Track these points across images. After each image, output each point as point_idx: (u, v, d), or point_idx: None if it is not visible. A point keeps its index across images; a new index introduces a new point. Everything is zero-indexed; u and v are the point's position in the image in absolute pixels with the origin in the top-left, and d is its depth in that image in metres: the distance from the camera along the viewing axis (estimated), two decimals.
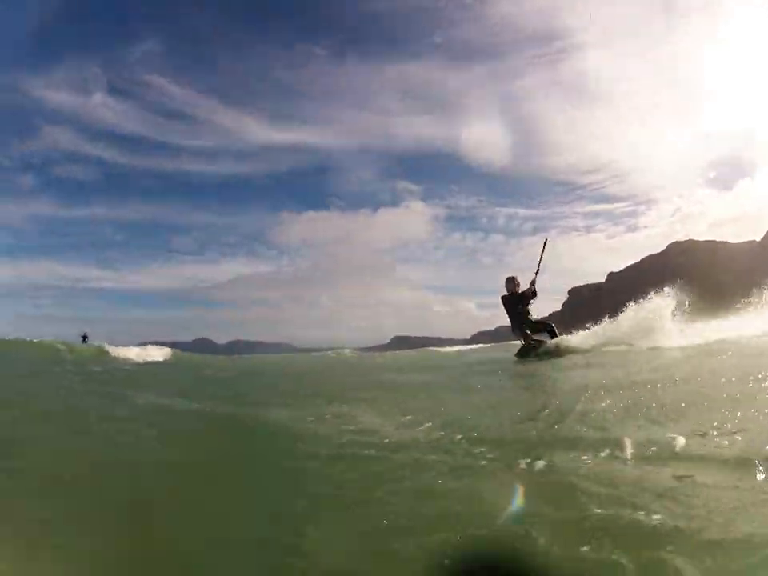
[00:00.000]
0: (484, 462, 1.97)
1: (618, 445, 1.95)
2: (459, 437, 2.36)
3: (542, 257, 7.98)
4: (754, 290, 8.16)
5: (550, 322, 7.99)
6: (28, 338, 12.87)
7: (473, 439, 2.30)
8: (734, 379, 3.06)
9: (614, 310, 7.67)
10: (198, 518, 1.65)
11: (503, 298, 8.04)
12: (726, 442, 1.86)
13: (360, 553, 1.35)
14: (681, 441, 1.91)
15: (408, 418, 2.99)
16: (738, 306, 8.34)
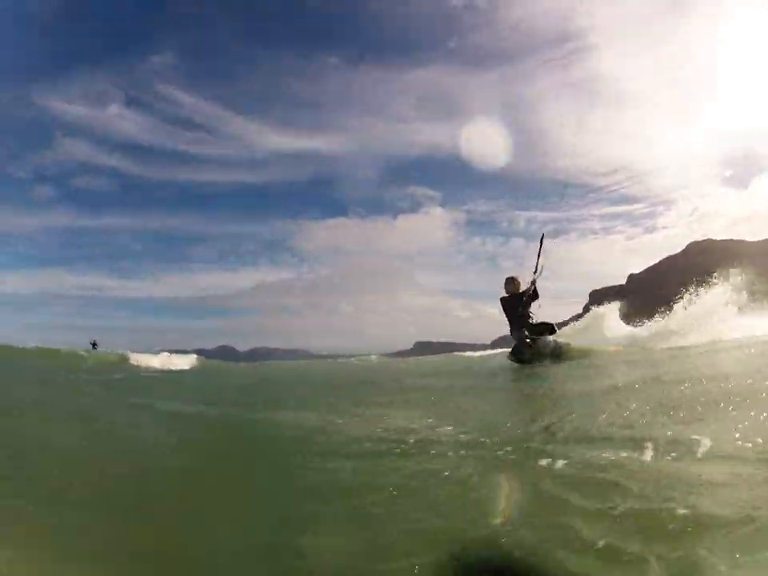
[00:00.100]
0: (509, 459, 2.00)
1: (647, 443, 1.94)
2: (484, 439, 2.38)
3: (539, 254, 7.41)
4: None
5: (552, 323, 7.50)
6: (48, 346, 13.05)
7: (498, 441, 2.31)
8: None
9: (637, 311, 7.55)
10: (208, 524, 1.68)
11: (502, 299, 7.53)
12: (761, 439, 1.83)
13: (372, 557, 1.37)
14: (710, 438, 1.89)
15: (431, 420, 3.01)
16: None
